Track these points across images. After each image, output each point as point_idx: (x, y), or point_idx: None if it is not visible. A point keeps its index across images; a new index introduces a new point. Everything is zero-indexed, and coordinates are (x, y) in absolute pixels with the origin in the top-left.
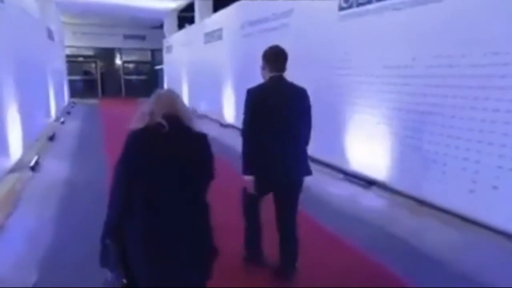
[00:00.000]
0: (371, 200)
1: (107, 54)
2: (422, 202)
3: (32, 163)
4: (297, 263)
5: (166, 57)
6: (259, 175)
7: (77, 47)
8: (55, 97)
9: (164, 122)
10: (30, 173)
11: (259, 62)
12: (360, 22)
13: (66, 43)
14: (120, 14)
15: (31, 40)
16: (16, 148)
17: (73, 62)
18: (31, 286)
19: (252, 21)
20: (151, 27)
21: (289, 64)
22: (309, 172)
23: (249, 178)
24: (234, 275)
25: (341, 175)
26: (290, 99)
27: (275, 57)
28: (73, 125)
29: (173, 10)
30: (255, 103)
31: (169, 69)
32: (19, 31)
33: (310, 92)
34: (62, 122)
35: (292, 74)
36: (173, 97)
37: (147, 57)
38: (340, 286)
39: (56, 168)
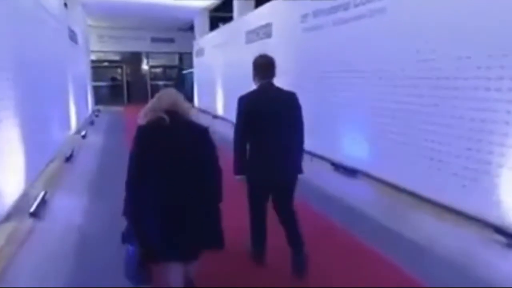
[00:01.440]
0: None
1: (133, 59)
2: None
3: (34, 206)
4: (305, 248)
5: (196, 60)
6: (255, 177)
7: (103, 52)
8: (77, 107)
9: (165, 116)
10: (29, 221)
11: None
12: None
13: (92, 48)
14: (148, 16)
15: (46, 40)
16: (15, 182)
17: (98, 68)
18: None
19: (320, 10)
20: (179, 30)
21: None
22: (300, 171)
23: (240, 177)
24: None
25: None
26: (279, 104)
27: (264, 66)
28: (95, 140)
29: (204, 9)
30: (246, 109)
31: (200, 73)
32: (27, 28)
33: None
34: (84, 136)
35: None
36: (174, 95)
37: (175, 61)
38: None
39: (67, 210)
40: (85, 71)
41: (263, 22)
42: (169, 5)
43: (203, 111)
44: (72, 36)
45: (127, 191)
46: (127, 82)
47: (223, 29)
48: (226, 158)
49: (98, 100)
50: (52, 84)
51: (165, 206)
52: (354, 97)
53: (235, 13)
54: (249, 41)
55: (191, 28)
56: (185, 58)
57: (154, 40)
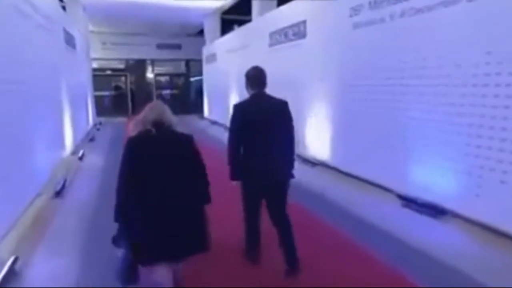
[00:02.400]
0: None
1: (138, 67)
2: None
3: None
4: (296, 251)
5: (206, 67)
6: (248, 180)
7: (106, 60)
8: (74, 121)
9: (152, 128)
10: None
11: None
12: None
13: (94, 55)
14: (154, 20)
15: (29, 38)
16: None
17: (100, 76)
18: None
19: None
20: (186, 35)
21: None
22: (292, 176)
23: (236, 182)
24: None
25: None
26: (270, 112)
27: (256, 77)
28: (95, 161)
29: (215, 11)
30: (240, 117)
31: (210, 81)
32: None
33: None
34: (81, 157)
35: None
36: (161, 108)
37: (182, 68)
38: None
39: None
40: (86, 80)
41: (293, 21)
42: (177, 7)
43: (214, 123)
44: (69, 40)
45: (117, 197)
46: (131, 91)
47: (240, 31)
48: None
49: (100, 111)
50: (37, 94)
51: (153, 211)
52: (434, 110)
53: (254, 13)
54: (274, 43)
55: (199, 33)
56: (193, 66)
57: (160, 46)
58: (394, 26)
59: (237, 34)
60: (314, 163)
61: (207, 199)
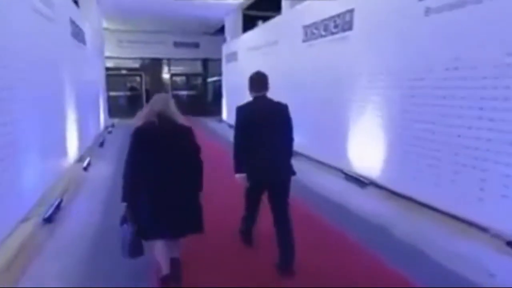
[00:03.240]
0: None
1: (153, 66)
2: None
3: None
4: (294, 253)
5: (226, 67)
6: (251, 176)
7: (121, 58)
8: (81, 124)
9: (155, 119)
10: None
11: None
12: None
13: (109, 54)
14: (171, 17)
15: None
16: None
17: (115, 76)
18: None
19: None
20: (204, 33)
21: None
22: (293, 173)
23: (240, 175)
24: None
25: None
26: (271, 114)
27: (257, 82)
28: (102, 172)
29: (237, 7)
30: (244, 118)
31: (231, 81)
32: None
33: None
34: (86, 167)
35: None
36: (165, 101)
37: (199, 68)
38: None
39: None
40: (98, 79)
41: (336, 10)
42: (196, 4)
43: (231, 126)
44: (78, 34)
45: (124, 180)
46: (146, 92)
47: (266, 26)
48: None
49: (114, 112)
50: (26, 95)
51: (154, 193)
52: None
53: (284, 5)
54: (309, 38)
55: (218, 31)
56: (210, 65)
57: (177, 45)
58: (495, 6)
59: (263, 29)
60: (363, 182)
61: (199, 187)
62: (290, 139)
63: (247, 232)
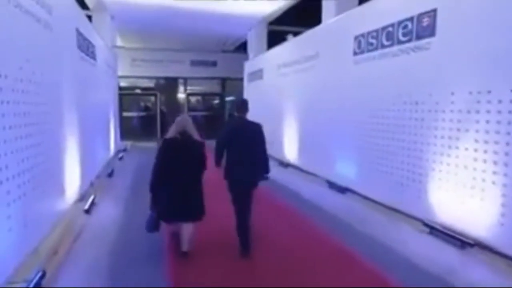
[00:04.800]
0: None
1: (169, 85)
2: None
3: None
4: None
5: (249, 86)
6: (230, 180)
7: (135, 77)
8: (85, 152)
9: (177, 135)
10: None
11: None
12: None
13: (123, 73)
14: (188, 34)
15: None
16: None
17: (128, 95)
18: None
19: None
20: (222, 52)
21: None
22: (263, 178)
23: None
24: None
25: None
26: (248, 131)
27: (240, 106)
28: (109, 215)
29: (262, 21)
30: (227, 131)
31: (254, 102)
32: None
33: None
34: (88, 210)
35: None
36: (186, 121)
37: (216, 87)
38: None
39: None
40: (109, 99)
41: (409, 13)
42: (216, 19)
43: None
44: (86, 48)
45: (152, 176)
46: (161, 112)
47: (302, 39)
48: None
49: (126, 134)
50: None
51: (172, 188)
52: None
53: (325, 14)
54: (364, 50)
55: (237, 49)
56: (228, 85)
57: (193, 63)
58: None
59: (297, 43)
60: (463, 241)
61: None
62: (264, 152)
63: (243, 241)
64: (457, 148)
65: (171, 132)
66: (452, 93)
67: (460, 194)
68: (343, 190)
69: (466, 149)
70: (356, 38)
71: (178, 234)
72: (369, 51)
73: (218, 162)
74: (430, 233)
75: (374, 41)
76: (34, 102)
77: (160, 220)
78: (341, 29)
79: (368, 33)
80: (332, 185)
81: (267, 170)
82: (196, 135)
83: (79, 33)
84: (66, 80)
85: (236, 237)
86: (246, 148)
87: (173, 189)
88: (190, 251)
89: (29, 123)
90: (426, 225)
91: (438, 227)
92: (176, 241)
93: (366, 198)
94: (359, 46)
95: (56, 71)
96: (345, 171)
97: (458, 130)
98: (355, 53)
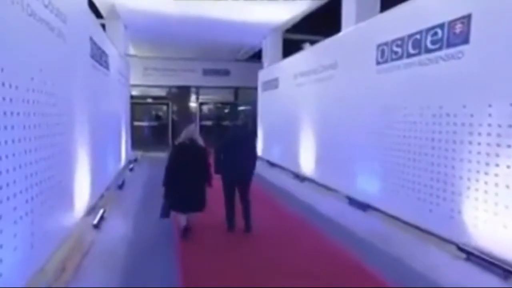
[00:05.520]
0: None
1: (181, 95)
2: None
3: None
4: (251, 220)
5: (263, 95)
6: (224, 176)
7: (147, 86)
8: (96, 164)
9: (186, 141)
10: None
11: None
12: None
13: (135, 81)
14: (201, 43)
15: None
16: None
17: (140, 105)
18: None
19: None
20: (236, 60)
21: None
22: (252, 174)
23: (217, 176)
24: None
25: None
26: (242, 137)
27: (234, 116)
28: (118, 232)
29: (277, 29)
30: (225, 138)
31: (269, 112)
32: None
33: None
34: (97, 225)
35: None
36: (193, 130)
37: (230, 96)
38: None
39: None
40: (121, 108)
41: (439, 19)
42: (230, 27)
43: (272, 164)
44: (100, 57)
45: (165, 174)
46: (173, 122)
47: (320, 47)
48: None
49: (137, 143)
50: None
51: (181, 184)
52: None
53: (345, 21)
54: (387, 59)
55: (250, 58)
56: (241, 94)
57: (206, 72)
58: None
59: (315, 51)
60: None
61: (208, 182)
62: (255, 155)
63: (230, 221)
64: (497, 165)
65: (181, 138)
66: (490, 105)
67: (501, 216)
68: (364, 206)
69: (508, 166)
70: (379, 46)
71: (183, 223)
72: (393, 60)
73: (217, 171)
74: (468, 259)
75: (399, 49)
76: (45, 113)
77: (170, 209)
78: (362, 38)
79: (393, 41)
80: (352, 201)
81: (253, 169)
82: (201, 142)
83: (93, 42)
84: (78, 90)
85: (225, 218)
86: (239, 152)
87: (181, 184)
88: (191, 227)
89: (39, 136)
90: (461, 249)
91: (476, 252)
92: (182, 230)
93: (390, 216)
94: (382, 55)
95: (69, 81)
96: (367, 186)
97: (498, 145)
98: (378, 63)
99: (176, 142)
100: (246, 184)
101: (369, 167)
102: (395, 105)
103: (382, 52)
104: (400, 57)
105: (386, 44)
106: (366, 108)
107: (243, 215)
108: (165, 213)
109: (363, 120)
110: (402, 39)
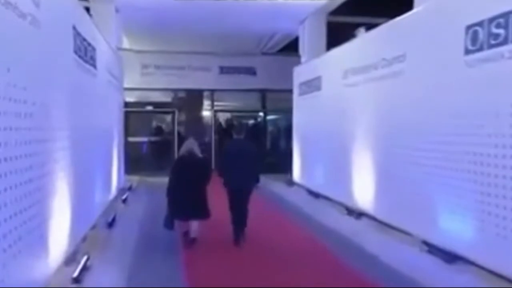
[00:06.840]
0: None
1: (190, 101)
2: None
3: None
4: (245, 232)
5: (300, 100)
6: (229, 186)
7: (147, 90)
8: (77, 197)
9: (186, 154)
10: None
11: None
12: None
13: (130, 84)
14: (217, 31)
15: None
16: None
17: (137, 114)
18: None
19: None
20: (262, 54)
21: None
22: (256, 184)
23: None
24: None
25: None
26: (245, 149)
27: (239, 129)
28: None
29: (320, 11)
30: (228, 151)
31: (307, 122)
32: None
33: None
34: (77, 279)
35: None
36: (192, 144)
37: (255, 103)
38: None
39: None
40: (112, 119)
41: None
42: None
43: (311, 193)
44: (84, 51)
45: (168, 184)
46: (179, 137)
47: (380, 33)
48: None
49: (133, 166)
50: None
51: (183, 194)
52: None
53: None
54: (483, 46)
55: (283, 50)
56: (269, 98)
57: (223, 70)
58: None
59: (372, 40)
60: None
61: (207, 182)
62: (256, 165)
63: (236, 231)
64: None
65: (181, 152)
66: None
67: None
68: (450, 258)
69: None
70: (468, 28)
71: (188, 232)
72: (491, 46)
73: (221, 175)
74: None
75: (501, 31)
76: (11, 128)
77: (173, 219)
78: (443, 17)
79: (491, 19)
80: (432, 250)
81: (257, 180)
82: (199, 153)
83: (76, 33)
84: (58, 96)
85: (231, 228)
86: (242, 163)
87: (180, 192)
88: (196, 238)
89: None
90: None
91: None
92: (186, 238)
93: (490, 272)
94: (474, 41)
95: (45, 85)
96: (455, 229)
97: None
98: (467, 52)
99: (178, 155)
100: (246, 192)
101: (459, 203)
102: (498, 112)
103: (474, 35)
104: (503, 42)
105: (480, 24)
106: (449, 118)
107: (236, 222)
108: (168, 224)
109: (446, 133)
110: (506, 15)
